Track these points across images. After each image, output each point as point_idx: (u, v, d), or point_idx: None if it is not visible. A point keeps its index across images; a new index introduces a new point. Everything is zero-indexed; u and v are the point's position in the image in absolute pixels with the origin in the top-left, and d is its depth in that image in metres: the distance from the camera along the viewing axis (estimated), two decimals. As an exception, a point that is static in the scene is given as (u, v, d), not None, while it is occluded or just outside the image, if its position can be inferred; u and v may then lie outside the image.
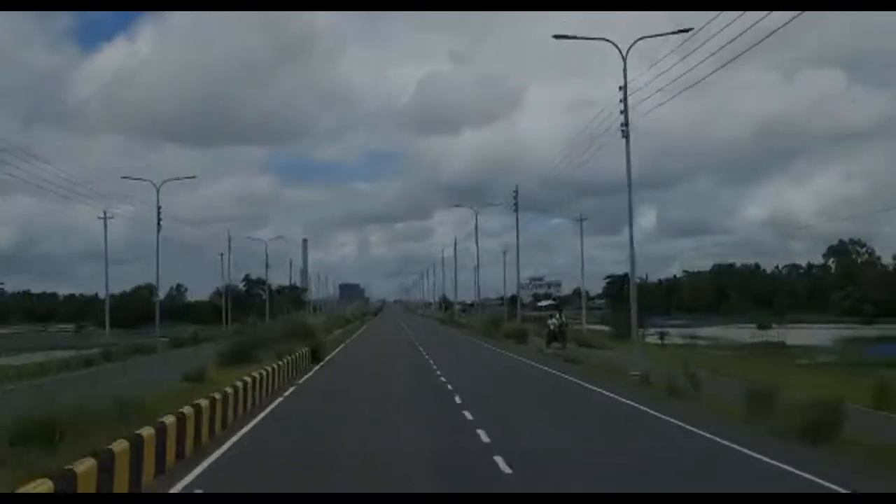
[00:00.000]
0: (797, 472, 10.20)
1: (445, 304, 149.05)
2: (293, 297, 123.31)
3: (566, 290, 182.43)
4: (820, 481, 9.56)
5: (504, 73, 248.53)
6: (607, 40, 25.54)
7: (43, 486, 6.70)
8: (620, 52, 25.03)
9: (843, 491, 9.00)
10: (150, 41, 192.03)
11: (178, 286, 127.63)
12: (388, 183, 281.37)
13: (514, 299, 73.50)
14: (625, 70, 25.02)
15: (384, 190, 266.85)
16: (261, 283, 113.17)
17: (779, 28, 18.91)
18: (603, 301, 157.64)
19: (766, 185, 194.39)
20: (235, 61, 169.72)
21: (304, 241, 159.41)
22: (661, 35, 24.49)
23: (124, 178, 62.72)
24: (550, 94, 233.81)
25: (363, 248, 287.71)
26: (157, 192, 52.93)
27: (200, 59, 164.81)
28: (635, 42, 25.16)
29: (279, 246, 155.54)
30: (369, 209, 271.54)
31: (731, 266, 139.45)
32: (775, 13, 18.59)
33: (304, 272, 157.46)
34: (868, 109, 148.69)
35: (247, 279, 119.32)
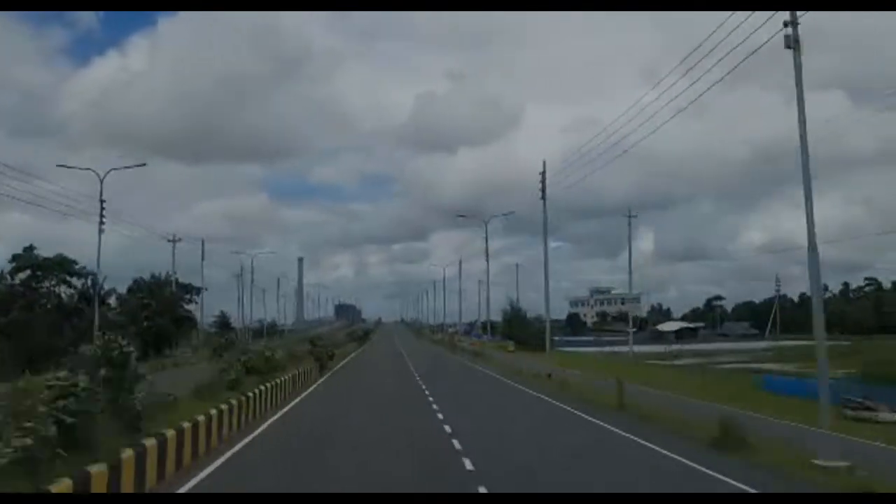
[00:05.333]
0: None
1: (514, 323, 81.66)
2: (166, 301, 64.67)
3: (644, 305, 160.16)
4: None
5: (502, 93, 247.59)
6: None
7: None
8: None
9: None
10: (142, 57, 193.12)
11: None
12: (384, 204, 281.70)
13: (571, 320, 60.45)
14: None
15: (381, 211, 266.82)
16: (59, 265, 53.86)
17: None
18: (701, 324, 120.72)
19: (764, 209, 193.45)
20: (230, 79, 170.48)
21: (300, 259, 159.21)
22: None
23: (60, 166, 48.16)
24: (549, 114, 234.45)
25: (360, 268, 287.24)
26: (101, 182, 44.71)
27: (194, 76, 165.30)
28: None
29: (274, 265, 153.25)
30: (366, 230, 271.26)
31: None
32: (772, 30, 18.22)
33: (299, 291, 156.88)
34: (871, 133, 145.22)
35: (32, 258, 53.06)
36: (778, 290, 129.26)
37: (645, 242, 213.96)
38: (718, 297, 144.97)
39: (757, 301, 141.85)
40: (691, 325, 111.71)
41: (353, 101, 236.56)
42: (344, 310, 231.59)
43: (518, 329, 75.66)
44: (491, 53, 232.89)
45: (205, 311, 79.55)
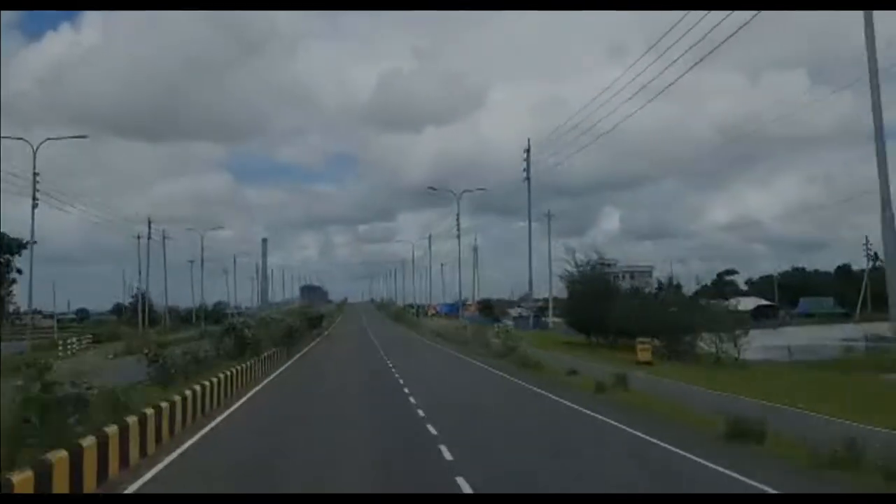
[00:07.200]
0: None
1: None
2: None
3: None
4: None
5: (467, 71, 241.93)
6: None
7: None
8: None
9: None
10: (98, 32, 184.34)
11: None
12: (350, 183, 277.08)
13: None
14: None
15: (347, 190, 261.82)
16: None
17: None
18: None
19: (729, 188, 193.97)
20: (191, 57, 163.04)
21: (264, 240, 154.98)
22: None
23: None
24: (515, 93, 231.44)
25: (326, 249, 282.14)
26: (34, 154, 44.90)
27: (154, 54, 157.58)
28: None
29: (238, 247, 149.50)
30: (332, 210, 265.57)
31: None
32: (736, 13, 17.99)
33: (263, 272, 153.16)
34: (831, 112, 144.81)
35: None
36: (874, 258, 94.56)
37: (610, 222, 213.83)
38: (730, 272, 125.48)
39: (776, 274, 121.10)
40: (771, 304, 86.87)
41: (317, 80, 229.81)
42: (309, 291, 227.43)
43: (611, 308, 42.84)
44: (458, 30, 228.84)
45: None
